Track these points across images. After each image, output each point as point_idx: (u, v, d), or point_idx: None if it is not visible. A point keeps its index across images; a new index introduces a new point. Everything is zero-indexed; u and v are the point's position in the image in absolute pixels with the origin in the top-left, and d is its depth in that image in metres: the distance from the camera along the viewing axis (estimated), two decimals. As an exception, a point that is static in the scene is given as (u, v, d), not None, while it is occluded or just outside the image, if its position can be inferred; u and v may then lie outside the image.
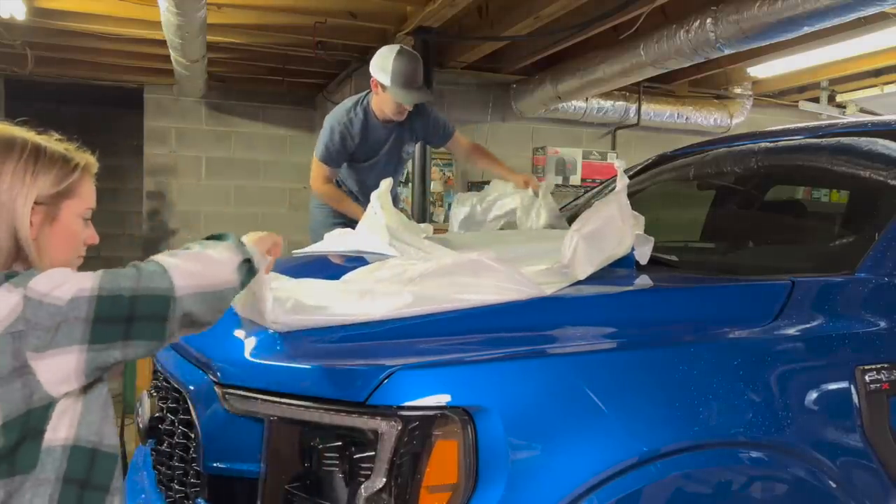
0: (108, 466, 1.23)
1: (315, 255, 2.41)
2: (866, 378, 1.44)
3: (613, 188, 1.78)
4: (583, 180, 5.45)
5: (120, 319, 1.14)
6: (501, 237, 2.58)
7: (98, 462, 1.21)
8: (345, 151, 3.10)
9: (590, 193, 2.96)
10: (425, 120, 3.25)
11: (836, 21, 3.29)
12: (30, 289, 1.11)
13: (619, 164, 1.80)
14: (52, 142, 1.28)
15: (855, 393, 1.43)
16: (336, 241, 2.49)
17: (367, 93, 3.14)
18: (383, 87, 2.96)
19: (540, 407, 1.26)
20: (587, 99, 5.51)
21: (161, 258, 1.23)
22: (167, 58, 4.52)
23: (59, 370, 1.12)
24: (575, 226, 1.67)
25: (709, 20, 3.74)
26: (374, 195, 2.37)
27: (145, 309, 1.16)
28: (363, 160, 3.21)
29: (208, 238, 1.42)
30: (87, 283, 1.13)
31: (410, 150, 3.41)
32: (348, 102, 3.19)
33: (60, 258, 1.26)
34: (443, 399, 1.25)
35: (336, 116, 3.13)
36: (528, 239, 2.39)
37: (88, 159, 1.32)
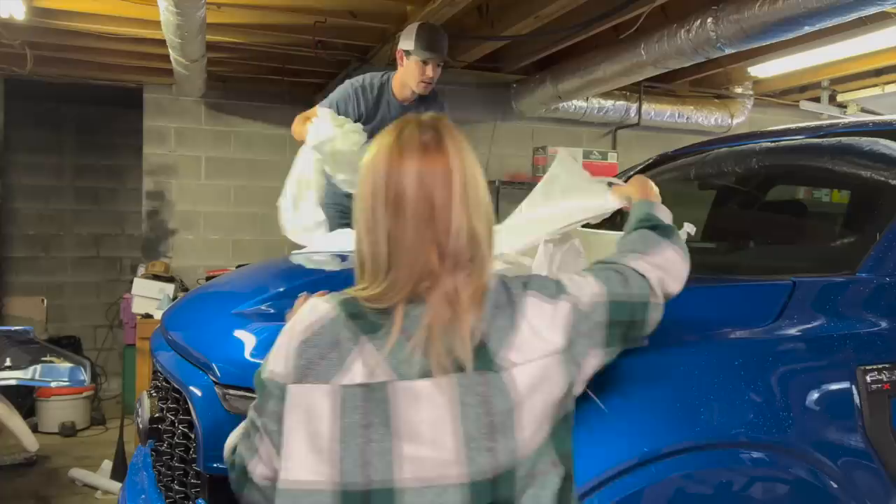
0: None
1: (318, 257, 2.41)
2: (867, 378, 1.44)
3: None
4: (583, 180, 5.44)
5: (623, 324, 1.19)
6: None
7: None
8: (346, 109, 3.09)
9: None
10: (440, 113, 3.29)
11: (837, 21, 3.29)
12: (573, 296, 1.15)
13: (561, 153, 1.78)
14: None
15: (856, 393, 1.43)
16: (330, 241, 2.50)
17: (391, 71, 3.19)
18: (407, 53, 3.03)
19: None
20: (587, 98, 5.50)
21: (632, 262, 1.26)
22: (166, 57, 4.51)
23: (586, 375, 1.16)
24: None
25: (709, 20, 3.73)
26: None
27: (638, 314, 1.21)
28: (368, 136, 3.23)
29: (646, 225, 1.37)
30: (597, 287, 1.18)
31: None
32: (370, 74, 3.25)
33: None
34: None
35: (355, 79, 3.21)
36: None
37: None
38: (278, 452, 1.09)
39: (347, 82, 3.20)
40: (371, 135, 3.20)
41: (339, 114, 3.08)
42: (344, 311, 1.09)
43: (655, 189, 1.52)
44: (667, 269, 1.27)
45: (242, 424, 1.21)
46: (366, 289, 1.10)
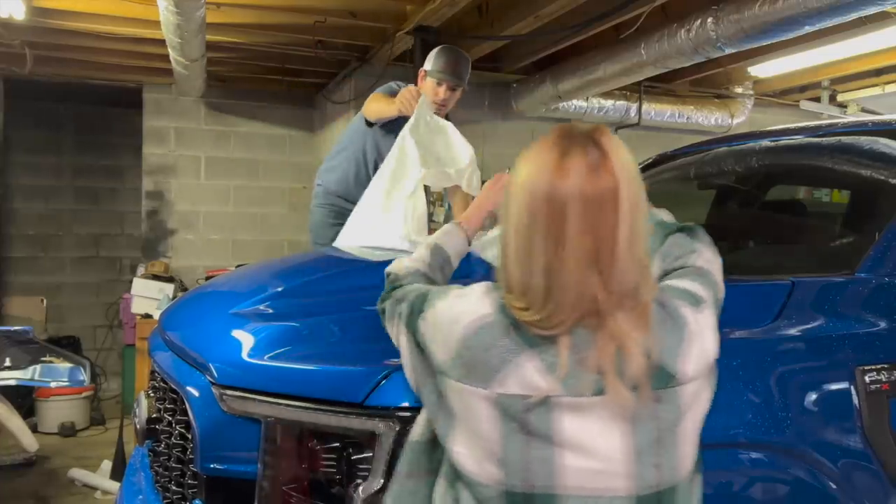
0: None
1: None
2: (866, 378, 1.43)
3: None
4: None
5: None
6: None
7: None
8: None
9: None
10: None
11: (837, 20, 3.28)
12: (708, 303, 1.15)
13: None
14: None
15: (855, 393, 1.42)
16: (353, 237, 2.49)
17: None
18: (426, 72, 3.08)
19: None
20: (588, 98, 5.49)
21: (698, 262, 1.24)
22: (166, 57, 4.51)
23: None
24: None
25: (710, 19, 3.73)
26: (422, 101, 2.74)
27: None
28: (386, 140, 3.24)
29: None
30: (705, 293, 1.17)
31: None
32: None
33: None
34: (440, 400, 1.24)
35: (396, 83, 3.25)
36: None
37: None
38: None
39: (392, 83, 3.23)
40: (387, 132, 3.21)
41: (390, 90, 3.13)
42: (505, 318, 1.05)
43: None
44: (714, 263, 1.27)
45: (408, 286, 1.29)
46: (524, 310, 1.04)
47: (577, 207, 1.02)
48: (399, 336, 1.20)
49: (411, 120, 2.69)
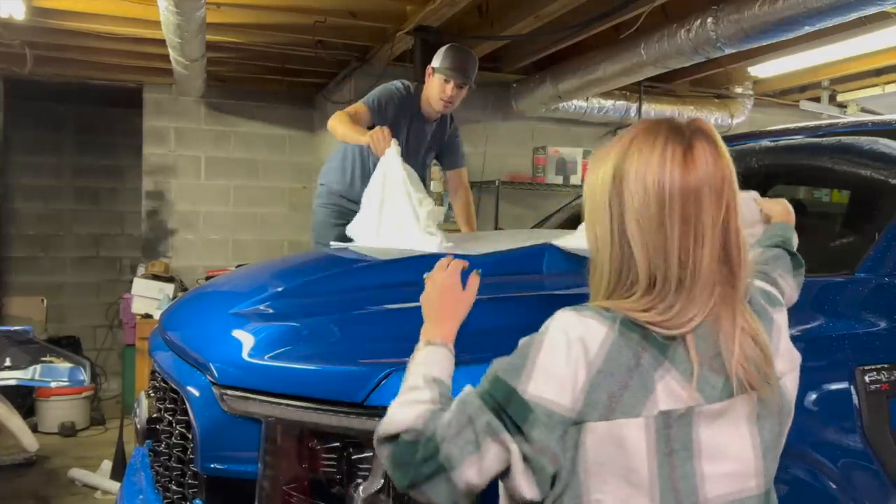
0: None
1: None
2: (866, 378, 1.43)
3: None
4: (583, 180, 5.44)
5: None
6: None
7: None
8: (385, 109, 3.09)
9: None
10: (451, 137, 3.37)
11: (837, 20, 3.28)
12: (783, 306, 1.22)
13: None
14: None
15: (855, 393, 1.42)
16: (375, 238, 2.46)
17: (422, 83, 3.22)
18: (434, 69, 3.07)
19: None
20: (588, 98, 5.49)
21: (779, 277, 1.35)
22: (166, 57, 4.51)
23: None
24: None
25: (710, 19, 3.73)
26: (389, 151, 2.52)
27: None
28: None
29: None
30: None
31: (429, 159, 3.46)
32: (412, 83, 3.26)
33: None
34: (440, 400, 1.24)
35: (400, 83, 3.22)
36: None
37: None
38: (531, 482, 0.99)
39: (394, 85, 3.18)
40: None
41: (377, 111, 3.06)
42: (630, 330, 1.01)
43: (793, 215, 1.59)
44: (789, 294, 1.36)
45: (452, 414, 1.02)
46: (646, 311, 1.02)
47: (710, 199, 1.03)
48: (499, 453, 1.00)
49: (379, 173, 2.54)
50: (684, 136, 1.06)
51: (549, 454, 0.98)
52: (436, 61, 3.10)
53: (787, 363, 1.11)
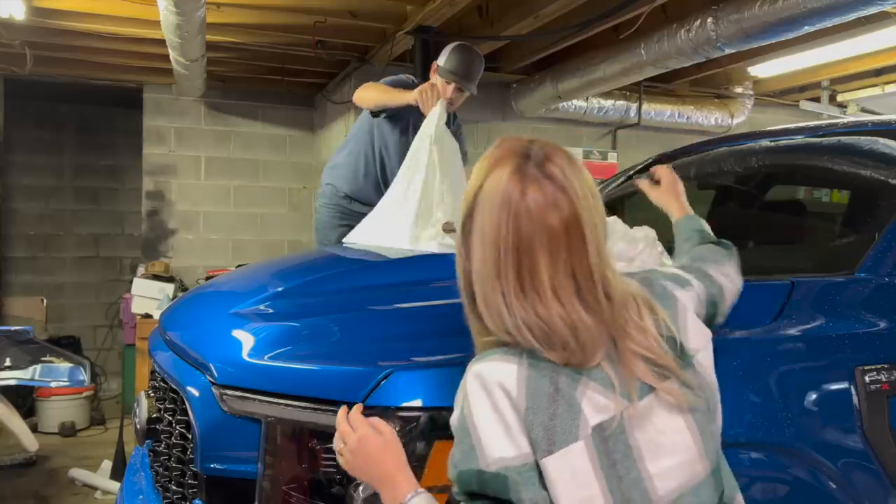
0: None
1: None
2: (866, 378, 1.43)
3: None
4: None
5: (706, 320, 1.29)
6: None
7: None
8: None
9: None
10: (455, 134, 3.33)
11: (837, 20, 3.29)
12: (695, 288, 1.26)
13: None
14: None
15: (855, 393, 1.42)
16: (361, 236, 2.48)
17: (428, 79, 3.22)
18: (438, 67, 3.06)
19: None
20: (587, 98, 5.50)
21: (710, 270, 1.35)
22: (166, 57, 4.51)
23: None
24: None
25: (709, 19, 3.73)
26: (434, 110, 2.60)
27: (714, 316, 1.34)
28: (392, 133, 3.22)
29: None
30: (698, 285, 1.28)
31: None
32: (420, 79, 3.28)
33: None
34: (441, 400, 1.25)
35: (408, 76, 3.25)
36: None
37: None
38: None
39: (403, 76, 3.22)
40: (391, 125, 3.19)
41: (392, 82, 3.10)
42: (538, 360, 1.00)
43: (682, 190, 1.64)
44: (731, 281, 1.36)
45: None
46: (551, 351, 1.01)
47: (545, 249, 1.01)
48: None
49: (430, 126, 2.61)
50: (524, 175, 1.03)
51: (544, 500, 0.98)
52: (441, 59, 3.07)
53: (698, 340, 1.11)
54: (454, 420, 1.04)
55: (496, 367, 1.00)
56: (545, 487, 0.97)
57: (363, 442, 1.12)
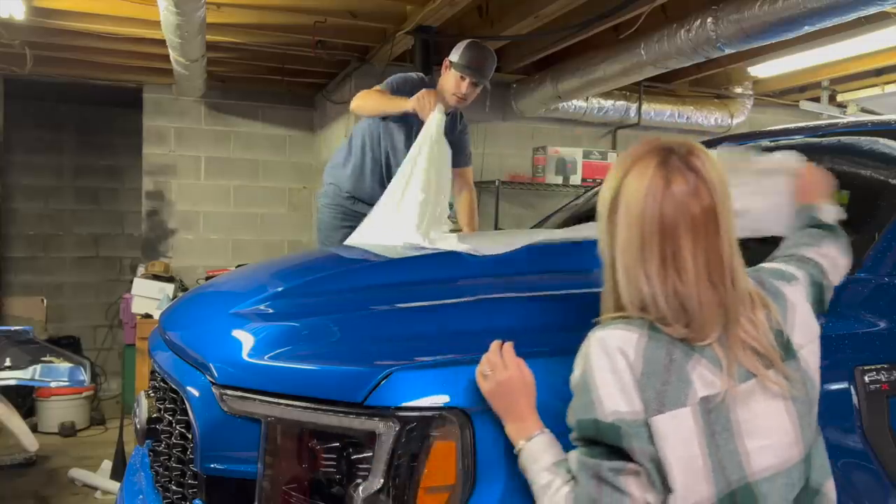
0: None
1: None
2: (866, 378, 1.43)
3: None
4: (583, 180, 5.43)
5: (814, 305, 1.38)
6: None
7: None
8: (402, 92, 3.11)
9: (589, 193, 2.95)
10: (460, 134, 3.35)
11: (837, 20, 3.28)
12: (800, 282, 1.35)
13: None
14: None
15: (854, 393, 1.42)
16: (369, 234, 2.49)
17: (437, 75, 3.23)
18: (451, 63, 3.08)
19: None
20: (587, 98, 5.49)
21: (806, 252, 1.43)
22: (166, 57, 4.51)
23: None
24: None
25: (709, 19, 3.73)
26: (433, 115, 2.65)
27: (823, 296, 1.43)
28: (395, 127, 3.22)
29: None
30: (799, 274, 1.36)
31: None
32: (427, 77, 3.30)
33: None
34: (441, 400, 1.25)
35: (416, 74, 3.26)
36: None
37: None
38: (656, 485, 1.09)
39: (410, 74, 3.23)
40: (395, 120, 3.19)
41: (395, 94, 3.09)
42: (657, 332, 1.13)
43: (828, 186, 1.63)
44: (831, 259, 1.44)
45: (583, 487, 1.12)
46: (669, 326, 1.13)
47: (689, 233, 1.12)
48: (637, 480, 1.10)
49: (427, 133, 2.65)
50: (666, 170, 1.15)
51: (654, 458, 1.08)
52: (454, 55, 3.08)
53: (804, 336, 1.22)
54: (575, 378, 1.16)
55: (618, 335, 1.13)
56: (653, 444, 1.08)
57: (511, 380, 1.24)
